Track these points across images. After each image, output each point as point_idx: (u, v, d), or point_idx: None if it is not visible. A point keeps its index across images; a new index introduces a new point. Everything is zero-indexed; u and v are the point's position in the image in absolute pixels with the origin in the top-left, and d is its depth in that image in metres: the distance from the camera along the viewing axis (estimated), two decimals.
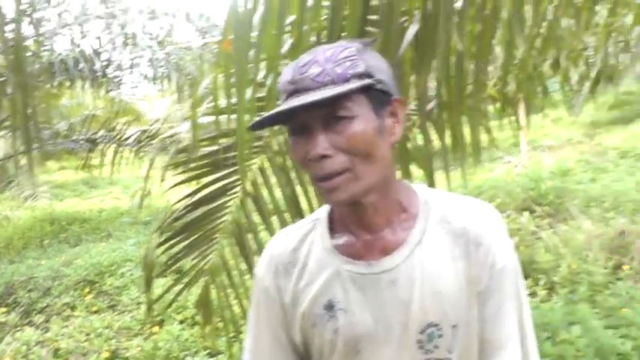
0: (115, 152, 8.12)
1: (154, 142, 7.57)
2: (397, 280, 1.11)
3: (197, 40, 9.12)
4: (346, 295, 1.13)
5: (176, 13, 8.70)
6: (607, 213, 6.17)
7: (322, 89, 0.99)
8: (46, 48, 7.60)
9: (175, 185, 2.80)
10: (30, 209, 11.45)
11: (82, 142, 8.48)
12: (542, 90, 4.35)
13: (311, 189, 2.58)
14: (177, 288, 3.19)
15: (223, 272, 2.92)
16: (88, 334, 4.79)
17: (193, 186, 2.81)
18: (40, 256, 8.21)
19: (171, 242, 2.85)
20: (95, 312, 5.60)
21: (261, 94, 2.22)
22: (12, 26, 4.11)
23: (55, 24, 7.85)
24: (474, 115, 2.50)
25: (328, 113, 1.00)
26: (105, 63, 8.20)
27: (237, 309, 3.02)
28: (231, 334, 3.06)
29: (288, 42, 2.06)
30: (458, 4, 2.23)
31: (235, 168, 2.61)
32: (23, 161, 8.53)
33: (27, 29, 7.20)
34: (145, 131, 8.27)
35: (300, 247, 1.21)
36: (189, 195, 2.78)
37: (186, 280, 3.06)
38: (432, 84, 2.56)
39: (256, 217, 2.78)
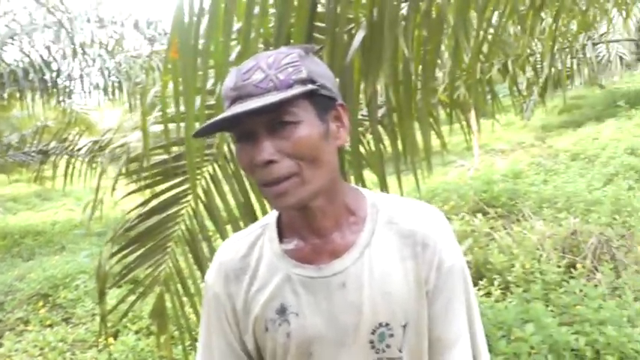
0: (68, 163, 7.99)
1: (106, 152, 7.48)
2: (347, 283, 1.12)
3: (146, 49, 9.05)
4: (297, 299, 1.13)
5: (124, 22, 8.64)
6: (559, 213, 6.30)
7: (266, 95, 0.99)
8: None
9: (127, 195, 2.78)
10: None
11: (33, 154, 8.32)
12: (492, 95, 4.45)
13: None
14: (131, 298, 3.16)
15: (177, 281, 2.91)
16: (42, 349, 4.70)
17: (146, 195, 2.79)
18: None
19: (125, 252, 2.82)
20: (49, 325, 5.49)
21: (211, 102, 2.22)
22: None
23: (2, 34, 7.71)
24: (425, 120, 2.53)
25: (273, 119, 1.01)
26: (55, 73, 8.07)
27: (193, 317, 3.00)
28: (188, 343, 3.04)
29: (235, 49, 2.07)
30: (404, 11, 2.28)
31: (187, 177, 2.60)
32: None
33: None
34: (96, 142, 8.16)
35: (250, 253, 1.21)
36: (141, 204, 2.76)
37: (140, 290, 3.03)
38: (382, 90, 2.60)
39: (210, 225, 2.77)
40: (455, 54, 2.50)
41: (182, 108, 1.89)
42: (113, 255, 2.78)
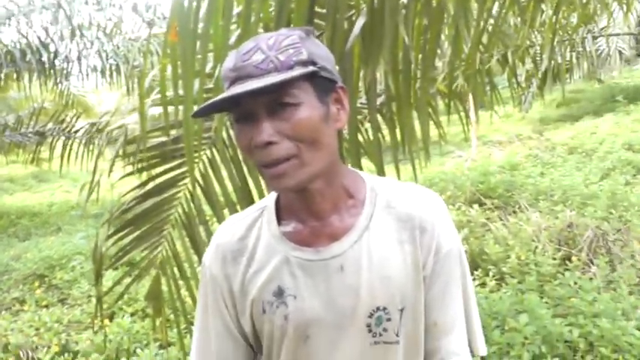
0: (65, 145, 7.98)
1: (103, 134, 7.47)
2: (345, 266, 1.12)
3: (145, 32, 9.02)
4: (295, 281, 1.14)
5: (122, 5, 8.61)
6: (556, 206, 6.31)
7: (266, 76, 0.98)
8: None
9: (124, 177, 2.78)
10: None
11: (30, 135, 8.31)
12: (491, 86, 4.44)
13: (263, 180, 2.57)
14: (127, 280, 3.17)
15: (174, 264, 2.92)
16: (37, 329, 4.70)
17: (143, 178, 2.79)
18: None
19: (121, 234, 2.83)
20: (45, 306, 5.50)
21: (210, 85, 2.22)
22: None
23: (0, 14, 7.67)
24: (423, 109, 2.53)
25: (273, 100, 1.00)
26: (52, 55, 8.04)
27: (188, 301, 3.01)
28: (183, 326, 3.05)
29: (235, 33, 2.07)
30: None
31: (184, 160, 2.60)
32: None
33: None
34: (94, 124, 8.14)
35: (248, 235, 1.20)
36: (138, 186, 2.76)
37: (136, 272, 3.04)
38: (381, 78, 2.60)
39: (207, 209, 2.77)
40: (455, 43, 2.49)
41: (181, 91, 1.89)
42: (109, 237, 2.79)
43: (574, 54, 8.49)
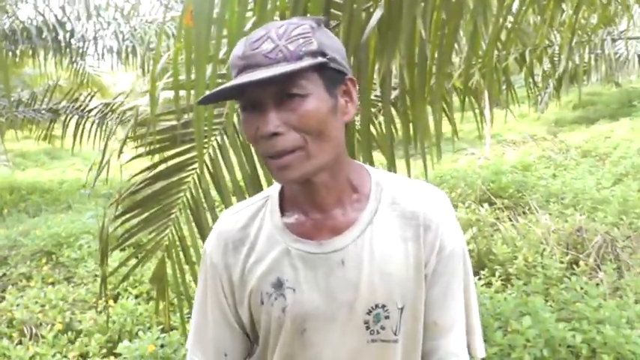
0: (78, 124, 8.00)
1: (115, 114, 7.50)
2: (346, 261, 1.11)
3: (161, 14, 9.03)
4: (295, 273, 1.13)
5: None
6: (566, 209, 6.27)
7: (275, 66, 0.97)
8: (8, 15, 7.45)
9: (133, 158, 2.77)
10: None
11: (43, 112, 8.34)
12: (507, 84, 4.41)
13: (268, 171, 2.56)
14: (133, 262, 3.18)
15: (179, 248, 2.92)
16: (42, 306, 4.72)
17: (153, 160, 2.79)
18: None
19: (128, 216, 2.83)
20: (51, 283, 5.52)
21: (222, 71, 2.21)
22: None
23: None
24: (438, 105, 2.51)
25: (280, 90, 0.98)
26: (69, 34, 8.06)
27: (192, 285, 3.01)
28: (186, 311, 3.06)
29: (251, 20, 2.05)
30: None
31: (194, 144, 2.59)
32: None
33: None
34: (108, 104, 8.16)
35: (251, 224, 1.19)
36: (148, 169, 2.76)
37: (141, 254, 3.05)
38: (397, 71, 2.58)
39: (215, 195, 2.77)
40: (472, 39, 2.47)
41: (193, 76, 1.88)
42: (117, 217, 2.79)
43: (592, 56, 8.39)
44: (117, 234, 3.03)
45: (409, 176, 2.36)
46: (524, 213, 6.51)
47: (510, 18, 2.91)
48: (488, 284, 4.62)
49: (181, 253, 2.91)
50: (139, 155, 2.73)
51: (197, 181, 2.73)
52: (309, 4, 1.95)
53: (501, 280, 4.65)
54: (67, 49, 8.30)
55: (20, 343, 4.18)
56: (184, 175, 2.76)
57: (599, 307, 3.53)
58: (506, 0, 2.49)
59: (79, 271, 5.74)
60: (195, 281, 2.88)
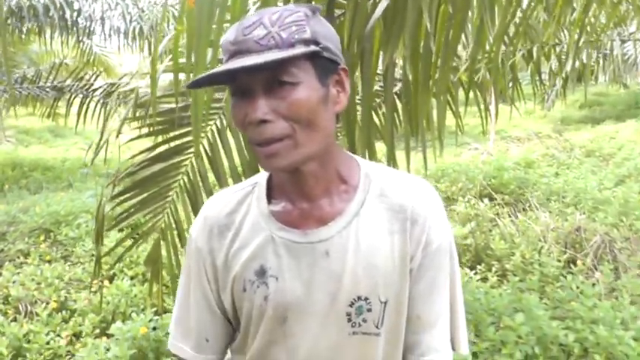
0: (82, 103, 7.99)
1: (115, 94, 7.49)
2: (331, 251, 1.10)
3: None
4: (279, 261, 1.12)
5: None
6: (566, 208, 6.26)
7: (265, 52, 0.95)
8: None
9: (132, 140, 2.77)
10: None
11: (48, 89, 8.33)
12: (514, 80, 4.38)
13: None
14: (129, 243, 3.18)
15: (175, 231, 2.91)
16: (39, 283, 4.72)
17: (152, 142, 2.78)
18: None
19: (125, 196, 2.83)
20: (48, 261, 5.52)
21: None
22: None
23: None
24: (442, 97, 2.49)
25: (271, 78, 0.97)
26: (75, 12, 8.04)
27: None
28: None
29: (255, 5, 2.04)
30: None
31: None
32: None
33: None
34: (113, 84, 8.15)
35: (237, 210, 1.18)
36: (147, 150, 2.76)
37: (137, 235, 3.05)
38: (402, 62, 2.56)
39: (213, 178, 2.76)
40: (479, 34, 2.45)
41: (194, 59, 1.86)
42: (114, 197, 2.79)
43: (600, 56, 8.37)
44: (115, 214, 3.03)
45: (409, 169, 2.35)
46: (524, 210, 6.49)
47: (519, 13, 2.89)
48: (484, 279, 4.62)
49: (177, 237, 2.91)
50: (139, 137, 2.72)
51: (195, 165, 2.72)
52: None
53: (497, 275, 4.64)
54: (74, 28, 8.30)
55: (15, 320, 4.19)
56: (182, 158, 2.76)
57: (593, 307, 3.53)
58: None
59: (76, 250, 5.74)
60: None
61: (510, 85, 4.38)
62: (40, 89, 8.40)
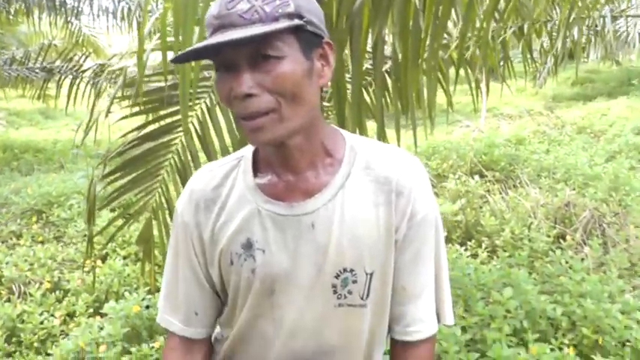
0: (72, 84, 7.94)
1: (104, 74, 7.45)
2: (317, 224, 1.11)
3: None
4: (265, 234, 1.13)
5: None
6: (557, 184, 6.28)
7: (249, 27, 0.95)
8: None
9: (121, 119, 2.76)
10: None
11: (37, 70, 8.27)
12: (505, 58, 4.38)
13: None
14: (121, 223, 3.18)
15: (166, 210, 2.92)
16: (31, 264, 4.72)
17: (142, 121, 2.78)
18: None
19: (116, 176, 2.83)
20: (41, 242, 5.53)
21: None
22: None
23: None
24: (432, 74, 2.49)
25: (255, 52, 0.97)
26: None
27: None
28: None
29: None
30: None
31: None
32: None
33: None
34: (102, 65, 8.09)
35: (223, 183, 1.19)
36: (136, 129, 2.75)
37: (128, 215, 3.05)
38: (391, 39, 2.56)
39: (203, 157, 2.76)
40: (469, 10, 2.44)
41: (181, 37, 1.86)
42: (104, 177, 2.79)
43: (592, 33, 8.36)
44: (106, 194, 3.03)
45: (399, 146, 2.36)
46: (514, 186, 6.52)
47: None
48: (475, 255, 4.64)
49: (168, 216, 2.91)
50: (127, 116, 2.72)
51: (185, 144, 2.72)
52: None
53: (487, 251, 4.67)
54: (62, 9, 8.22)
55: (9, 300, 4.19)
56: (173, 137, 2.76)
57: (582, 280, 3.56)
58: None
59: (68, 231, 5.74)
60: None
61: (502, 62, 4.37)
62: (29, 70, 8.34)
